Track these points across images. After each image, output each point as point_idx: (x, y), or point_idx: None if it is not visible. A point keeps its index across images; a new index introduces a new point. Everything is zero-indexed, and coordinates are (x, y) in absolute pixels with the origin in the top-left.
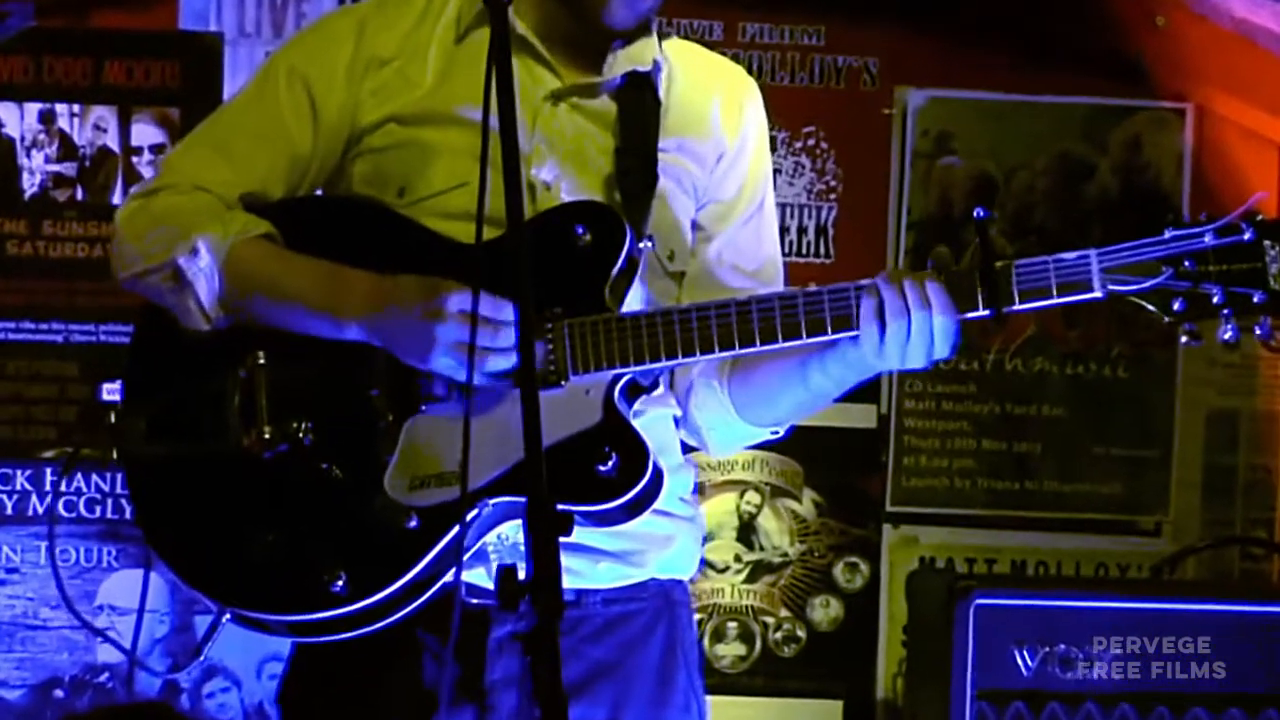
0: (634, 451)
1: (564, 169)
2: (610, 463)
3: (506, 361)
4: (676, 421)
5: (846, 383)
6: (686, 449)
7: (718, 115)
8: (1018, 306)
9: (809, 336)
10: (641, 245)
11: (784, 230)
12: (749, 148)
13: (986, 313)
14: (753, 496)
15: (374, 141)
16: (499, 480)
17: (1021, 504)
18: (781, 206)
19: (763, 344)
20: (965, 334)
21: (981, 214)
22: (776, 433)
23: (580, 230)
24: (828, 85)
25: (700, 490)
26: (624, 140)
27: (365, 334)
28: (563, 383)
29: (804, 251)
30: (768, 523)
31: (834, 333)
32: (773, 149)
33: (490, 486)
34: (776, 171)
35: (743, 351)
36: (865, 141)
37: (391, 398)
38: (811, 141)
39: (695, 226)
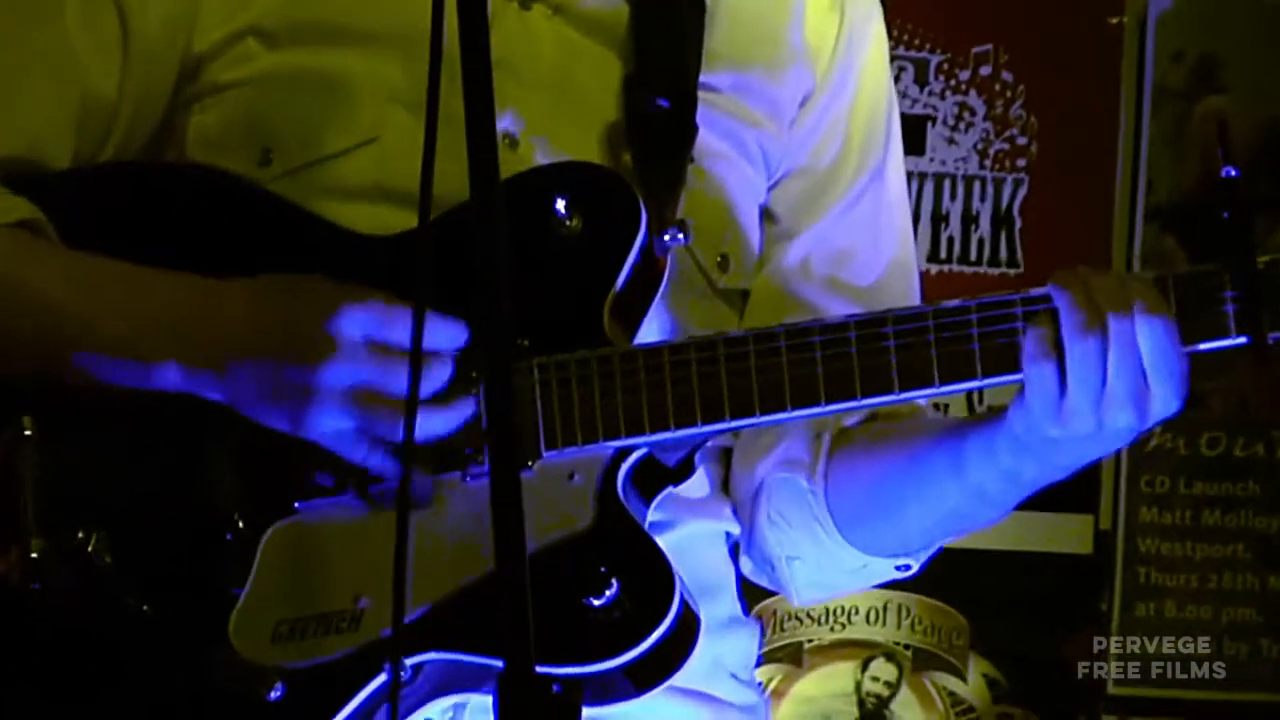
0: (648, 575)
1: (541, 112)
2: (608, 593)
3: (439, 424)
4: (732, 546)
5: (1024, 478)
6: (745, 595)
7: (800, 27)
8: None
9: (944, 383)
10: (666, 236)
11: (939, 219)
12: (852, 77)
13: (1241, 340)
14: (884, 668)
15: (221, 74)
16: (424, 624)
17: None
18: (933, 179)
19: (865, 395)
20: (1230, 384)
21: (1232, 173)
22: (907, 568)
23: (562, 209)
24: None
25: (796, 657)
26: (641, 66)
27: (192, 382)
28: (530, 463)
29: (973, 256)
30: (908, 712)
31: (986, 375)
32: (921, 82)
33: (404, 634)
34: (928, 120)
35: (832, 408)
36: (1077, 72)
37: (244, 490)
38: (986, 70)
39: (766, 215)
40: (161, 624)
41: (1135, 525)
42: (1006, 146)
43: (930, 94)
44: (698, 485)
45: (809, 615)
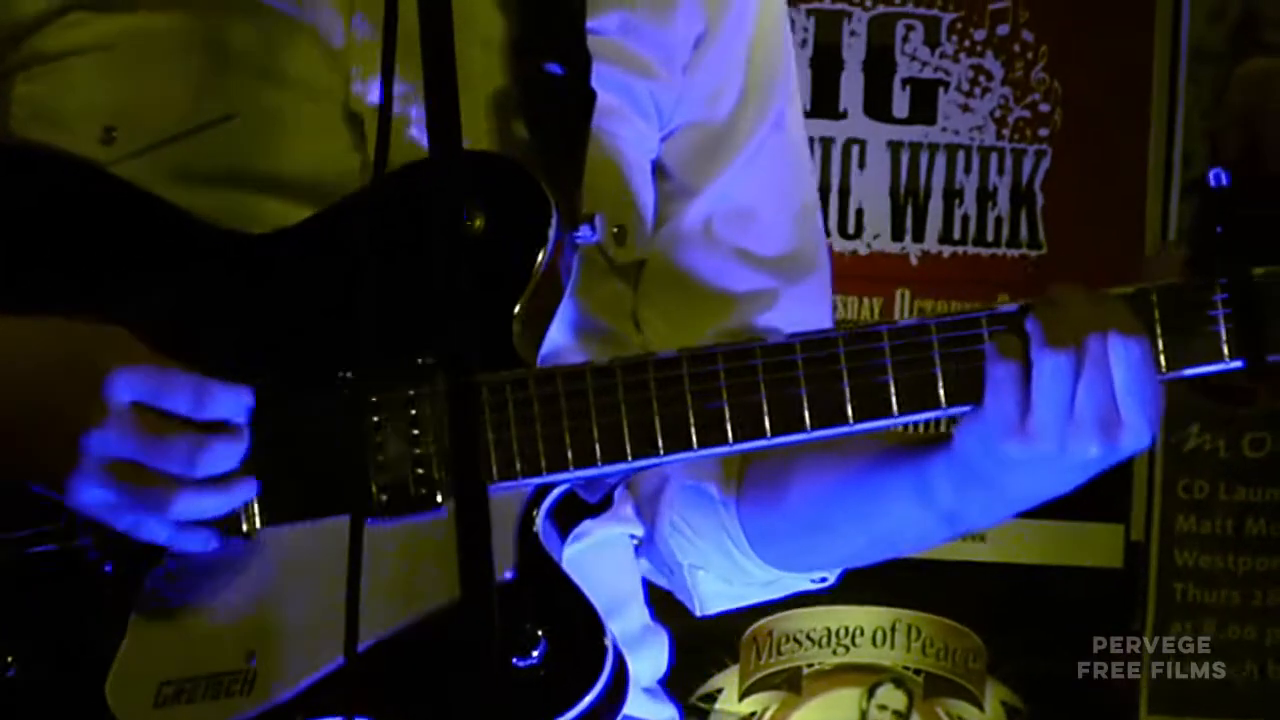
0: (576, 628)
1: (419, 82)
2: (536, 652)
3: (214, 505)
4: (635, 548)
5: (964, 510)
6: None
7: None
8: None
9: (904, 412)
10: (579, 234)
11: (952, 195)
12: (749, 16)
13: (1235, 364)
14: (892, 696)
15: (49, 42)
16: (327, 686)
17: None
18: (945, 151)
19: (816, 428)
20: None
21: (1220, 179)
22: (824, 580)
23: (464, 209)
24: None
25: (794, 683)
26: (525, 21)
27: None
28: (439, 502)
29: (990, 236)
30: None
31: (951, 404)
32: (932, 43)
33: (304, 698)
34: (940, 85)
35: (779, 440)
36: (1105, 31)
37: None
38: (1004, 29)
39: (659, 172)
40: (27, 686)
41: (1171, 535)
42: (1027, 114)
43: (942, 56)
44: None
45: (808, 637)
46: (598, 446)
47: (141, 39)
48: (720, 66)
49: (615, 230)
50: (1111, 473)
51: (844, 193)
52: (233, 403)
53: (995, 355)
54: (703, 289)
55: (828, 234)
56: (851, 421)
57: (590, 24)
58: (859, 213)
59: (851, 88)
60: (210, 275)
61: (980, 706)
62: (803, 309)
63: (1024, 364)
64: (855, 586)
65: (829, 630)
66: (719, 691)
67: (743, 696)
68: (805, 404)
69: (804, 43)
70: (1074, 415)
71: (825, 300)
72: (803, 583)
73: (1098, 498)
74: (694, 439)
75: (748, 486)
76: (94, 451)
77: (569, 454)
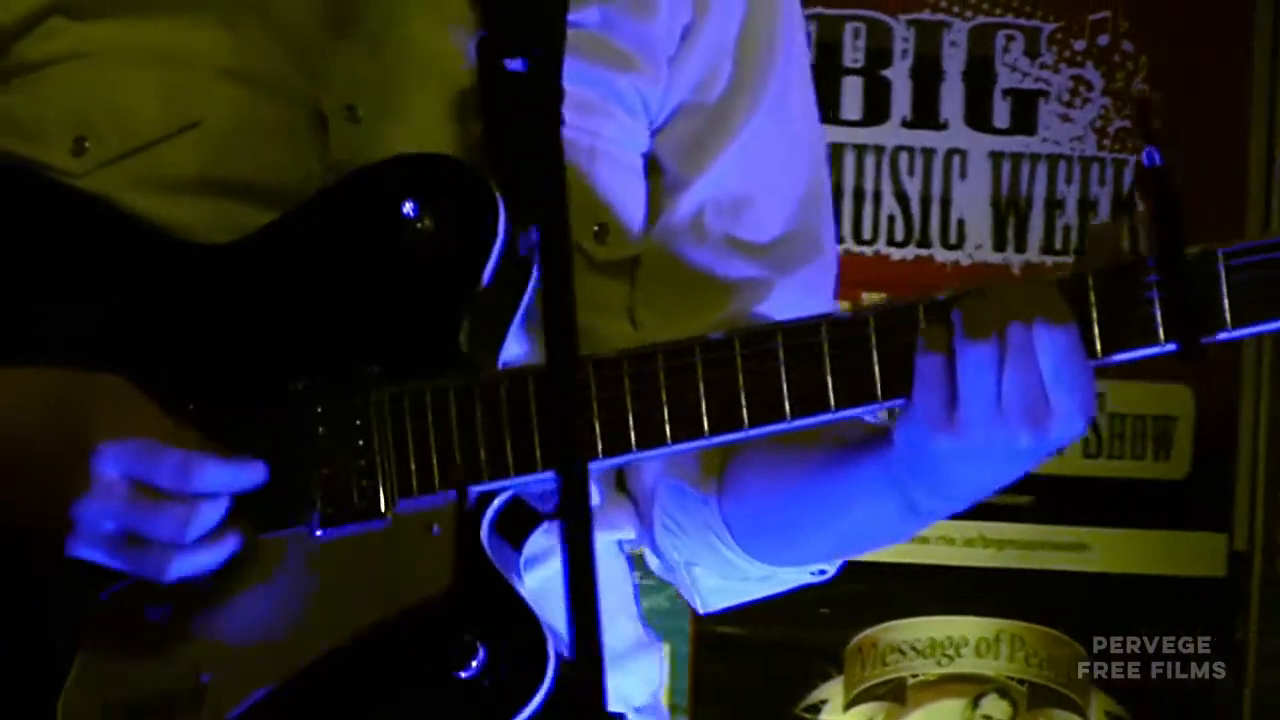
0: (516, 637)
1: (376, 77)
2: (474, 663)
3: (206, 560)
4: (628, 553)
5: (920, 502)
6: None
7: None
8: (1231, 333)
9: (841, 407)
10: (534, 233)
11: (1053, 205)
12: (739, 1)
13: (1170, 347)
14: (996, 706)
15: (29, 51)
16: (270, 704)
17: None
18: (1046, 161)
19: (754, 425)
20: None
21: (1153, 159)
22: (823, 573)
23: (412, 210)
24: None
25: (899, 694)
26: (496, 17)
27: None
28: (383, 513)
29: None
30: None
31: (888, 398)
32: (1032, 54)
33: (252, 715)
34: (1040, 95)
35: (716, 440)
36: (1205, 40)
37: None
38: (1104, 40)
39: (653, 166)
40: None
41: (1274, 545)
42: (1128, 125)
43: (1042, 66)
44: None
45: (913, 648)
46: (538, 452)
47: (115, 47)
48: (708, 55)
49: (596, 228)
50: (1214, 482)
51: (945, 203)
52: (219, 478)
53: (922, 348)
54: (695, 282)
55: (928, 244)
56: (789, 418)
57: (571, 17)
58: (960, 223)
59: (952, 98)
60: (168, 288)
61: (1084, 716)
62: (799, 298)
63: (949, 356)
64: (959, 598)
65: (933, 641)
66: (824, 702)
67: (848, 707)
68: (743, 401)
69: (904, 53)
70: (1001, 406)
71: (826, 290)
72: (802, 576)
73: (1199, 507)
74: (633, 440)
75: (728, 483)
76: (87, 521)
77: (509, 460)
